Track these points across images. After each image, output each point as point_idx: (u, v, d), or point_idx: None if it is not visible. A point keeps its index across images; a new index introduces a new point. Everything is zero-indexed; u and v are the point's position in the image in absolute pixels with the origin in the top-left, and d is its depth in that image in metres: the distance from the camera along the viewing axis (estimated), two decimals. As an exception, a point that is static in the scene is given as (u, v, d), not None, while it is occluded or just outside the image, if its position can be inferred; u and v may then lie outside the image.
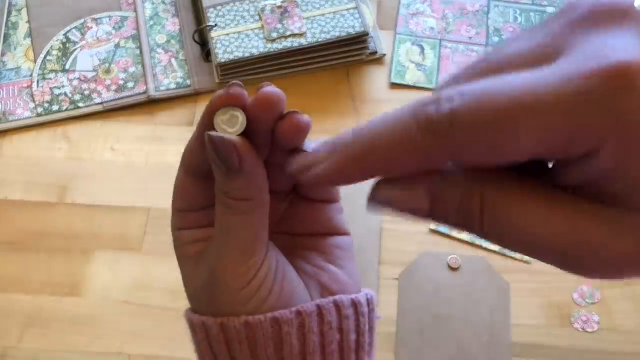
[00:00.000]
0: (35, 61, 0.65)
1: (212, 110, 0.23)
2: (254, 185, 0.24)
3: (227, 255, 0.24)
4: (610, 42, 0.16)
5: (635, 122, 0.15)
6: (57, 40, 0.66)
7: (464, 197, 0.18)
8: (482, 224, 0.18)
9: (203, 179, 0.26)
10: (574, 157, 0.16)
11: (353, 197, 0.57)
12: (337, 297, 0.26)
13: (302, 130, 0.23)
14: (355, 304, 0.26)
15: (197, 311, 0.26)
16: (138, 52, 0.65)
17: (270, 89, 0.23)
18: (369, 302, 0.27)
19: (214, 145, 0.22)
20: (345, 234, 0.29)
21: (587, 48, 0.16)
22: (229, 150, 0.22)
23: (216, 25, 0.62)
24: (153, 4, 0.68)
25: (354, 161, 0.19)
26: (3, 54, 0.66)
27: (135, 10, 0.68)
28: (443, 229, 0.56)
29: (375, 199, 0.20)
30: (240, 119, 0.23)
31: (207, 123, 0.24)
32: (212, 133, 0.23)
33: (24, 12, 0.68)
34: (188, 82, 0.64)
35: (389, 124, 0.18)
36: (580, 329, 0.52)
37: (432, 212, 0.18)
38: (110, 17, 0.68)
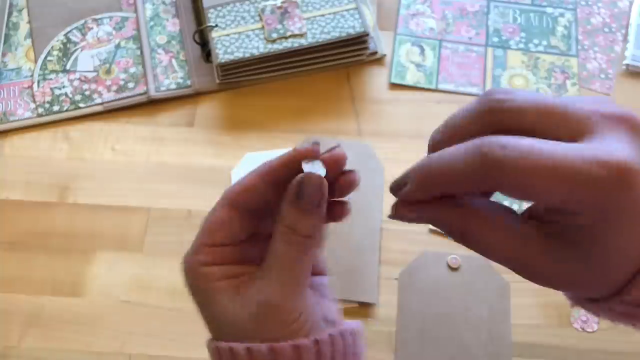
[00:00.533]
0: (35, 61, 0.65)
1: (298, 158, 0.28)
2: (320, 223, 0.28)
3: (286, 287, 0.27)
4: (627, 145, 0.22)
5: (624, 208, 0.21)
6: (57, 41, 0.66)
7: (451, 226, 0.25)
8: (462, 242, 0.26)
9: (248, 214, 0.29)
10: (567, 211, 0.23)
11: (354, 197, 0.57)
12: (341, 327, 0.29)
13: (357, 185, 0.29)
14: (353, 333, 0.29)
15: (235, 340, 0.28)
16: (138, 52, 0.66)
17: (342, 150, 0.28)
18: (357, 332, 0.30)
19: (310, 183, 0.27)
20: (326, 274, 0.33)
21: (608, 142, 0.22)
22: (318, 190, 0.27)
23: (216, 25, 0.63)
24: (153, 4, 0.68)
25: (429, 186, 0.25)
26: (4, 54, 0.66)
27: (136, 11, 0.68)
28: (443, 229, 0.56)
29: (395, 215, 0.27)
30: (321, 166, 0.27)
31: (290, 167, 0.28)
32: (312, 174, 0.27)
33: (25, 12, 0.68)
34: (188, 82, 0.64)
35: (457, 159, 0.23)
36: (579, 329, 0.52)
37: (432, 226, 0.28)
38: (110, 17, 0.68)
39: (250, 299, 0.27)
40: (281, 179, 0.28)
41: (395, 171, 0.67)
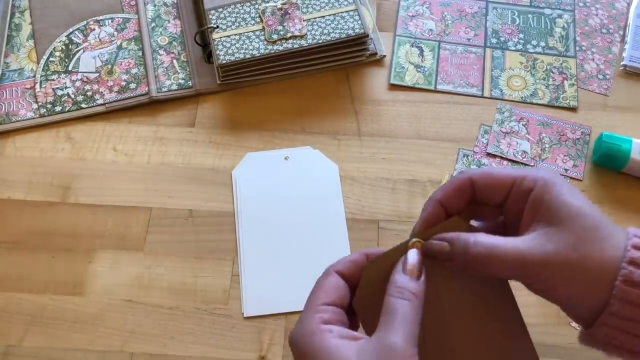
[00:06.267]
0: (38, 62, 0.66)
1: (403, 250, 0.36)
2: (422, 287, 0.34)
3: (406, 335, 0.31)
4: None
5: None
6: (59, 42, 0.67)
7: (466, 245, 0.33)
8: (473, 255, 0.33)
9: (350, 284, 0.36)
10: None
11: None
12: None
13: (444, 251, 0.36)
14: None
15: None
16: (140, 53, 0.66)
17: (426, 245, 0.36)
18: None
19: (413, 260, 0.35)
20: None
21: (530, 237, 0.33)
22: (419, 265, 0.35)
23: (217, 26, 0.63)
24: (155, 6, 0.69)
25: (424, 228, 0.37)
26: (6, 55, 0.66)
27: (137, 12, 0.68)
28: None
29: (423, 250, 0.35)
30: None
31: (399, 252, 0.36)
32: (414, 255, 0.35)
33: (27, 13, 0.69)
34: (189, 83, 0.64)
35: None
36: (578, 328, 0.52)
37: (450, 256, 0.34)
38: (112, 18, 0.68)
39: (372, 349, 0.30)
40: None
41: (395, 169, 0.67)
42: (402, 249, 0.36)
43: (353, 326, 0.35)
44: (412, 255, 0.34)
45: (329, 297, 0.34)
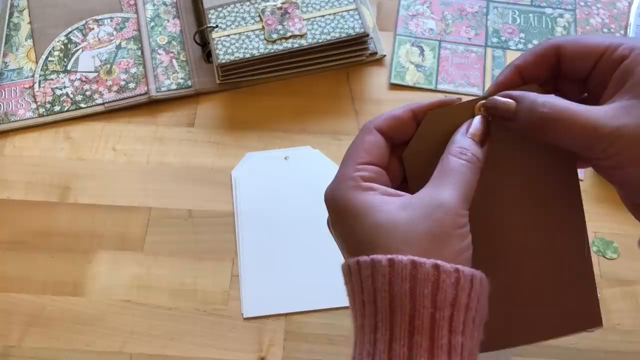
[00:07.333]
0: (36, 62, 0.65)
1: (446, 104, 0.33)
2: (482, 153, 0.32)
3: (460, 194, 0.29)
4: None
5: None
6: (58, 41, 0.67)
7: (534, 104, 0.30)
8: (540, 116, 0.29)
9: (388, 142, 0.33)
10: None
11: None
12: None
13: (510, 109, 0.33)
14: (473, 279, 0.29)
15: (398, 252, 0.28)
16: (139, 53, 0.66)
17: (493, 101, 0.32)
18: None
19: (481, 122, 0.32)
20: None
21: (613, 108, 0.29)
22: (486, 128, 0.32)
23: (217, 26, 0.63)
24: (154, 5, 0.69)
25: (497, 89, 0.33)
26: (5, 55, 0.66)
27: (136, 12, 0.68)
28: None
29: (487, 106, 0.32)
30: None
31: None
32: (481, 117, 0.32)
33: (26, 13, 0.69)
34: (189, 82, 0.64)
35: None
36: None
37: (514, 114, 0.31)
38: (111, 18, 0.68)
39: (420, 202, 0.29)
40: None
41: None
42: (468, 108, 0.33)
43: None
44: (478, 120, 0.32)
45: (369, 156, 0.31)
